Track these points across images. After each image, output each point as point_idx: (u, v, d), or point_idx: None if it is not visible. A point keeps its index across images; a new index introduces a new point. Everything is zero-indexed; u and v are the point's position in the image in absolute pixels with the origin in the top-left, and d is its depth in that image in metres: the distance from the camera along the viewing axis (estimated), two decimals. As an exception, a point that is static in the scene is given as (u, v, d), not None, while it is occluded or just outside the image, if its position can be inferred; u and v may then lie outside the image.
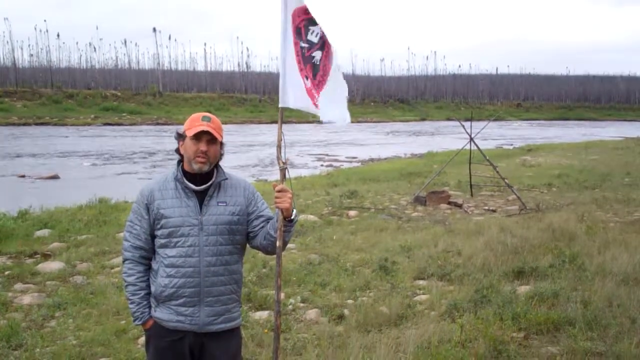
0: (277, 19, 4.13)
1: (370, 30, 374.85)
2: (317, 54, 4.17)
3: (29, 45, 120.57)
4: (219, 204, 3.55)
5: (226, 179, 3.63)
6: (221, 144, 3.58)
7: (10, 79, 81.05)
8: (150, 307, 3.62)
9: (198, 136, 3.46)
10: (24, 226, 12.00)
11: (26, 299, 7.63)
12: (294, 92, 4.10)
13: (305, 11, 4.13)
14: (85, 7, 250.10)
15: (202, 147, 3.46)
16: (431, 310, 7.24)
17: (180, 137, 3.56)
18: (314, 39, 4.16)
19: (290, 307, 7.38)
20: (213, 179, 3.57)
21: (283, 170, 3.86)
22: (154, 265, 3.60)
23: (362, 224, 12.81)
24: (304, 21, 4.13)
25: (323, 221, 13.17)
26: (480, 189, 18.44)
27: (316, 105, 4.12)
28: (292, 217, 3.61)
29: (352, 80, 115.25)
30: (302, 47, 4.12)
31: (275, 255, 3.79)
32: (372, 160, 32.88)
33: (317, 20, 4.16)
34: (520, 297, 7.35)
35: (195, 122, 3.50)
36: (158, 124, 66.19)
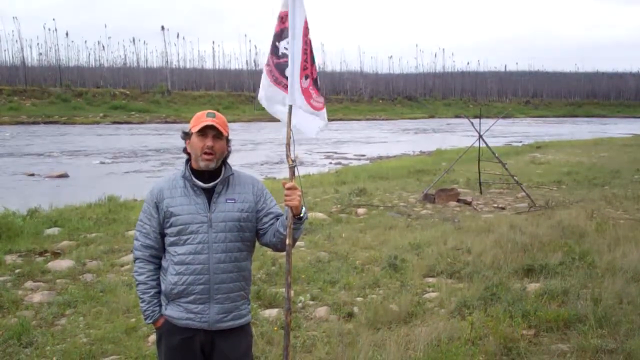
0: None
1: (378, 27, 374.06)
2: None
3: (37, 44, 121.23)
4: (228, 201, 3.56)
5: (233, 174, 3.64)
6: (227, 140, 3.60)
7: (20, 77, 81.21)
8: (160, 305, 3.64)
9: (203, 131, 3.49)
10: (33, 224, 12.04)
11: (36, 297, 7.66)
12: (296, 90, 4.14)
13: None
14: (93, 6, 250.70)
15: (209, 142, 3.48)
16: (441, 307, 7.24)
17: (187, 135, 3.60)
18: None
19: (299, 304, 7.39)
20: (221, 176, 3.58)
21: (292, 168, 3.86)
22: (164, 264, 3.62)
23: (371, 222, 12.80)
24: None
25: (332, 219, 13.15)
26: (489, 187, 18.40)
27: (312, 106, 4.18)
28: (302, 215, 3.62)
29: (360, 77, 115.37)
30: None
31: (284, 253, 3.80)
32: (380, 157, 32.83)
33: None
34: (530, 295, 7.34)
35: (200, 119, 3.53)
36: (167, 122, 66.28)
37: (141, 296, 3.65)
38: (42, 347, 6.09)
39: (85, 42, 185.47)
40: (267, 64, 4.20)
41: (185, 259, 3.50)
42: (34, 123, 58.54)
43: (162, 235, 3.60)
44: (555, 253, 9.26)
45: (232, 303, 3.59)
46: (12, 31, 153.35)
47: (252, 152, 33.89)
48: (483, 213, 14.17)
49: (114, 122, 63.02)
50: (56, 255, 9.91)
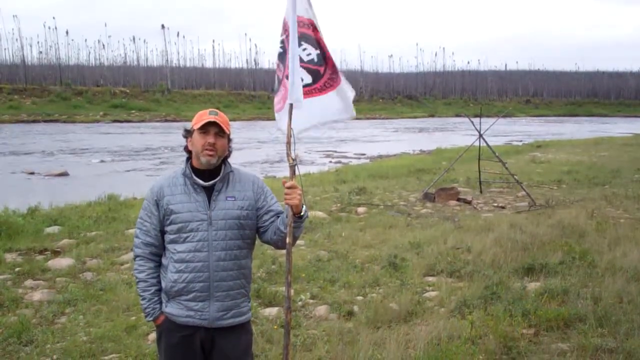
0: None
1: (379, 26, 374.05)
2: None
3: (38, 43, 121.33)
4: (228, 199, 3.57)
5: (232, 171, 3.66)
6: (229, 139, 3.61)
7: (20, 76, 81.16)
8: (161, 303, 3.64)
9: (205, 128, 3.49)
10: (33, 223, 12.04)
11: (36, 296, 7.66)
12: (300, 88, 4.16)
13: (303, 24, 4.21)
14: (94, 4, 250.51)
15: (210, 139, 3.49)
16: (441, 306, 7.23)
17: (188, 133, 3.60)
18: (304, 56, 4.27)
19: (299, 303, 7.39)
20: (221, 174, 3.59)
21: (293, 167, 3.86)
22: (164, 261, 3.62)
23: (371, 221, 12.79)
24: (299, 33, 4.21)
25: (332, 218, 13.15)
26: (489, 186, 18.39)
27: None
28: (302, 214, 3.61)
29: (360, 76, 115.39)
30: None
31: (285, 251, 3.80)
32: (380, 156, 32.80)
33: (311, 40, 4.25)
34: (530, 294, 7.35)
35: (202, 117, 3.54)
36: (167, 120, 66.24)
37: (141, 294, 3.65)
38: (42, 345, 6.09)
39: (86, 40, 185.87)
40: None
41: (185, 257, 3.50)
42: (34, 122, 58.50)
43: (162, 232, 3.60)
44: (556, 252, 9.27)
45: (232, 301, 3.59)
46: (12, 29, 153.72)
47: (252, 151, 33.86)
48: (483, 212, 14.17)
49: (114, 121, 62.99)
50: (56, 253, 9.91)
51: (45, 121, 59.34)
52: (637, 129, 63.68)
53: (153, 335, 5.77)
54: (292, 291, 4.42)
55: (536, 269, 8.43)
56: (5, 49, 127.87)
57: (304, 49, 4.29)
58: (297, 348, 5.92)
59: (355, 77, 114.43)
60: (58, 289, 8.04)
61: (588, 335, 5.92)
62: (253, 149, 35.19)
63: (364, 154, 34.11)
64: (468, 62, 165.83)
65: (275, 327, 6.42)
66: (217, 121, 3.49)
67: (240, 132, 46.14)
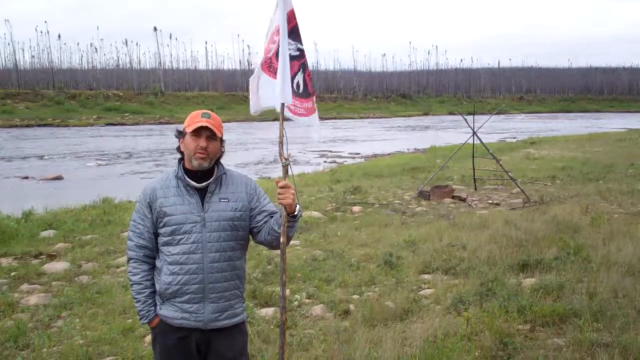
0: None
1: (372, 25, 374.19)
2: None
3: (30, 47, 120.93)
4: (221, 200, 3.56)
5: (225, 173, 3.65)
6: (221, 140, 3.60)
7: (12, 80, 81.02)
8: (155, 305, 3.63)
9: (198, 132, 3.48)
10: (28, 227, 12.01)
11: (32, 300, 7.65)
12: (289, 88, 4.17)
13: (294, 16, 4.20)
14: (86, 8, 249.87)
15: (202, 143, 3.48)
16: (437, 304, 7.25)
17: (181, 134, 3.59)
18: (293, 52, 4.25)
19: (295, 303, 7.40)
20: (214, 176, 3.59)
21: (285, 167, 3.86)
22: (158, 264, 3.62)
23: (366, 220, 12.81)
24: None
25: (327, 217, 13.17)
26: (484, 183, 18.42)
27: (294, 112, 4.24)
28: (296, 213, 3.61)
29: (354, 76, 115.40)
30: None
31: (279, 251, 3.80)
32: (375, 155, 32.84)
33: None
34: (525, 290, 7.36)
35: (194, 119, 3.52)
36: (160, 123, 66.12)
37: (136, 296, 3.64)
38: (38, 349, 6.08)
39: (78, 44, 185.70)
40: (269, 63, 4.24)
41: (179, 259, 3.50)
42: (27, 126, 58.25)
43: (156, 235, 3.60)
44: (550, 248, 9.29)
45: (226, 302, 3.59)
46: (4, 34, 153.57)
47: (246, 152, 33.83)
48: (478, 209, 14.20)
49: (108, 124, 62.82)
50: (52, 257, 9.89)
51: (38, 125, 59.15)
52: (631, 124, 63.89)
53: (149, 338, 5.76)
54: (287, 291, 4.43)
55: (531, 265, 8.46)
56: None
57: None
58: (294, 348, 5.92)
59: (348, 77, 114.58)
60: (54, 292, 8.03)
61: (584, 330, 5.94)
62: (247, 150, 35.15)
63: (358, 154, 34.13)
64: (461, 60, 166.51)
65: (272, 327, 6.43)
66: (209, 125, 3.48)
67: (233, 133, 46.07)
